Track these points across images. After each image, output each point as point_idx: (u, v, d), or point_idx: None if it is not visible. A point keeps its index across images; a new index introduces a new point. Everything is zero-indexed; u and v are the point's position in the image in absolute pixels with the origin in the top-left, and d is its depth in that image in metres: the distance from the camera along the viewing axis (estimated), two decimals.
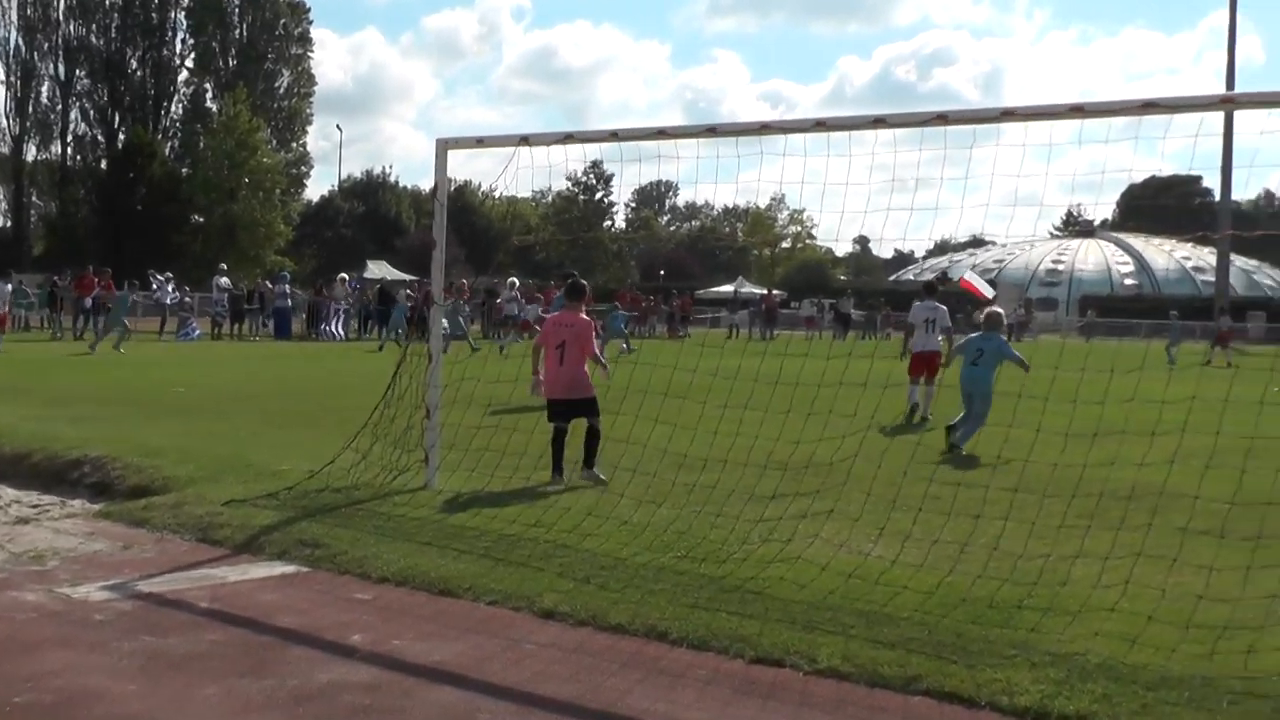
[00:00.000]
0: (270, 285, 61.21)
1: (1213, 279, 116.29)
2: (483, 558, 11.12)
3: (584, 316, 16.00)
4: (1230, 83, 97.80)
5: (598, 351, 15.92)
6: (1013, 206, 12.04)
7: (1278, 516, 11.76)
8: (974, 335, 19.78)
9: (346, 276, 65.33)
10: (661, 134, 13.31)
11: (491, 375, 16.27)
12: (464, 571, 10.61)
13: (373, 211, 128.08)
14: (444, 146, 14.89)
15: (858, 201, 12.31)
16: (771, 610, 9.56)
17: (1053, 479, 13.31)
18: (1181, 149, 11.09)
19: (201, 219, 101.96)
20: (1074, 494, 12.69)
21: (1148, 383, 13.04)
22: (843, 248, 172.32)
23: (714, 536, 12.06)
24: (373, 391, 15.95)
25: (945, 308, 25.17)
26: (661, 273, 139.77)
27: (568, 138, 13.79)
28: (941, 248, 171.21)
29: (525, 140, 13.92)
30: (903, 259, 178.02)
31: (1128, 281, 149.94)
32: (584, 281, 16.75)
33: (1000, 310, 20.47)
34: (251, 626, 9.17)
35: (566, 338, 15.44)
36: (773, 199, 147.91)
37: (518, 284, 59.93)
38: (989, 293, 48.67)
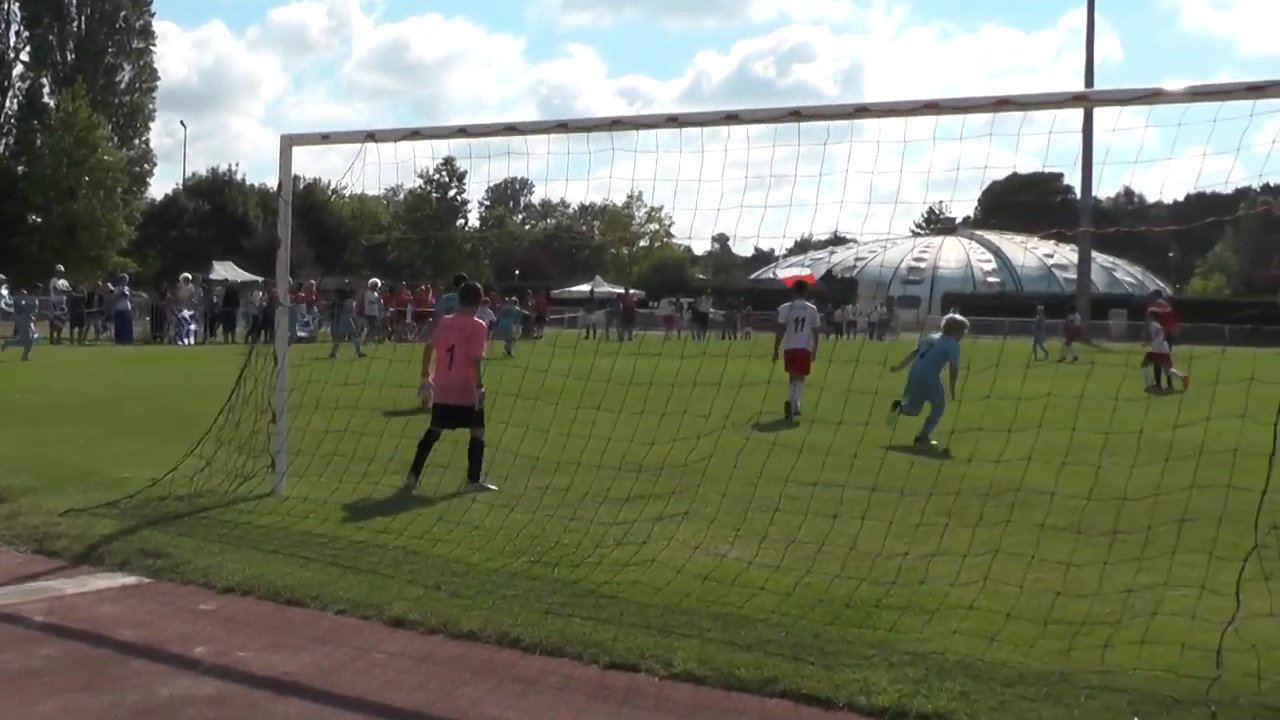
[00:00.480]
0: (110, 288, 60.12)
1: (1074, 276, 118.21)
2: (330, 565, 11.06)
3: (477, 320, 15.92)
4: (1089, 79, 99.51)
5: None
6: (868, 204, 12.14)
7: (1133, 511, 12.01)
8: (934, 336, 21.54)
9: (190, 277, 64.42)
10: (512, 130, 13.32)
11: (339, 378, 16.20)
12: (311, 580, 10.53)
13: (219, 210, 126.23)
14: (289, 143, 14.79)
15: (715, 199, 12.43)
16: (626, 615, 9.60)
17: (910, 477, 13.52)
18: (1042, 146, 11.36)
19: (39, 219, 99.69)
20: (931, 492, 12.91)
21: (1004, 380, 13.27)
22: (701, 246, 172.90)
23: (568, 541, 12.10)
24: (218, 396, 15.79)
25: (814, 306, 26.74)
26: (517, 272, 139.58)
27: (415, 134, 13.76)
28: (802, 246, 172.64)
29: (372, 136, 13.87)
30: (763, 257, 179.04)
31: (990, 279, 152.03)
32: (478, 284, 16.69)
33: (961, 319, 21.92)
34: (90, 640, 9.01)
35: (456, 341, 15.34)
36: (629, 196, 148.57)
37: (379, 284, 59.52)
38: (806, 270, 51.08)
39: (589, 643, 8.89)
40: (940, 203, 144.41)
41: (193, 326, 58.40)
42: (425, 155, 14.13)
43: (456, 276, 18.03)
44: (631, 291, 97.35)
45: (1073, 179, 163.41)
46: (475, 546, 11.77)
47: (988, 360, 12.81)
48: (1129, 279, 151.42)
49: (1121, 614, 9.52)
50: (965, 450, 13.63)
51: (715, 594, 10.15)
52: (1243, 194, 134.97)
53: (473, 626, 9.24)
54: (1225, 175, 10.54)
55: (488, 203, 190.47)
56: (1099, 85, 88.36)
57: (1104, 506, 12.09)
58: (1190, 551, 10.66)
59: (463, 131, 13.71)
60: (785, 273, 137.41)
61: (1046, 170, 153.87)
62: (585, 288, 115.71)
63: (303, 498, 13.95)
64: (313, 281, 63.03)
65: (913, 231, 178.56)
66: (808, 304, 26.46)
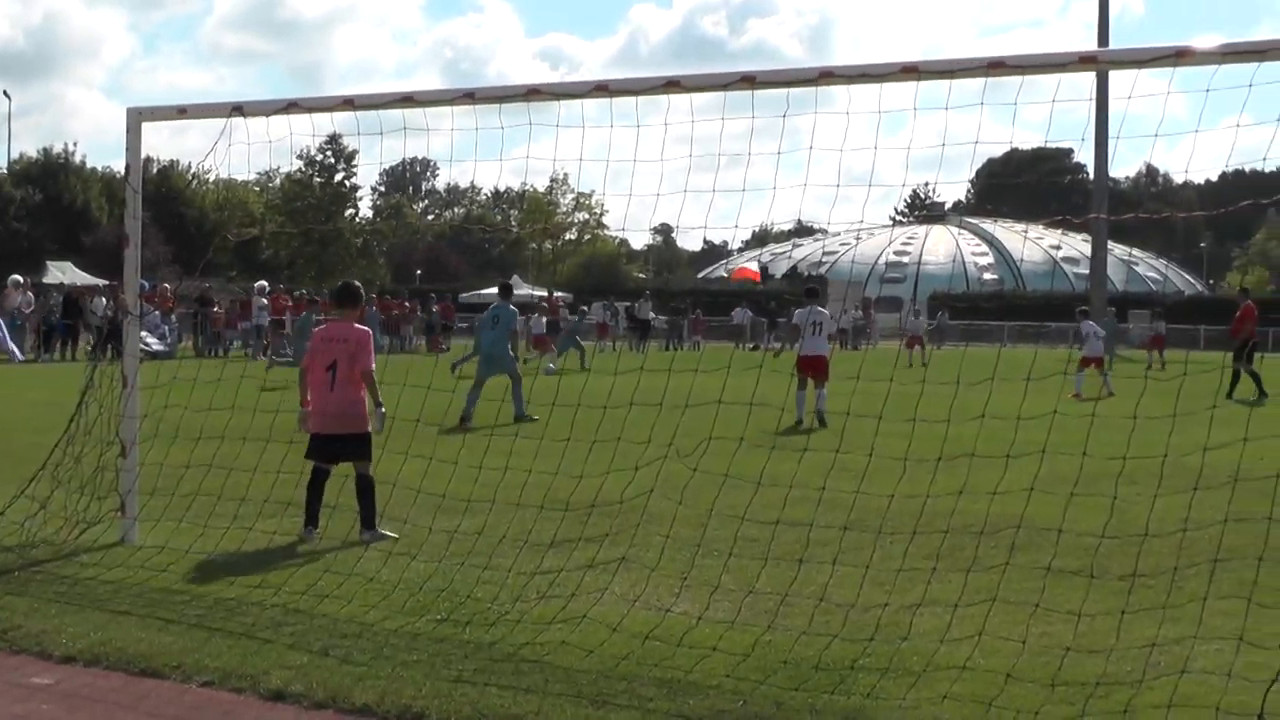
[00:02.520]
0: None
1: (1087, 271, 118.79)
2: (194, 628, 11.00)
3: (359, 328, 15.54)
4: (1103, 37, 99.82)
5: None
6: (837, 186, 12.15)
7: (1157, 550, 12.15)
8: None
9: (20, 280, 63.99)
10: (408, 101, 13.34)
11: (201, 402, 16.12)
12: (171, 646, 10.46)
13: (53, 200, 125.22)
14: (137, 118, 14.73)
15: (655, 182, 12.44)
16: (552, 682, 9.61)
17: (890, 513, 13.57)
18: (1047, 117, 11.34)
19: None
20: (916, 530, 12.94)
21: (1002, 396, 13.33)
22: (640, 239, 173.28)
23: (481, 594, 12.10)
24: (54, 425, 15.72)
25: (829, 312, 31.42)
26: (419, 272, 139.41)
27: (291, 106, 13.73)
28: (760, 238, 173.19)
29: (239, 110, 13.85)
30: (714, 252, 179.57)
31: (986, 276, 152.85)
32: (357, 284, 16.53)
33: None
34: None
35: (338, 355, 15.03)
36: (553, 180, 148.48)
37: (268, 287, 59.47)
38: (753, 265, 54.04)
39: (508, 716, 8.89)
40: (926, 185, 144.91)
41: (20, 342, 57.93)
42: (305, 132, 14.12)
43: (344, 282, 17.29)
44: (557, 294, 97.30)
45: (1085, 156, 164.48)
46: (370, 604, 11.77)
47: (983, 372, 12.86)
48: (1153, 274, 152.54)
49: (1144, 673, 9.56)
50: (956, 480, 13.68)
51: (658, 656, 10.16)
52: None
53: (368, 699, 9.20)
54: (1265, 149, 10.50)
55: (382, 189, 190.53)
56: (1114, 44, 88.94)
57: (1122, 545, 12.23)
58: (1225, 598, 10.78)
59: (349, 103, 13.69)
60: (739, 263, 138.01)
61: (1052, 146, 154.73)
62: None
63: (159, 547, 13.87)
64: (167, 286, 62.74)
65: (893, 220, 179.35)
66: (822, 309, 30.73)
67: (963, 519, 14.01)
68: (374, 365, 15.18)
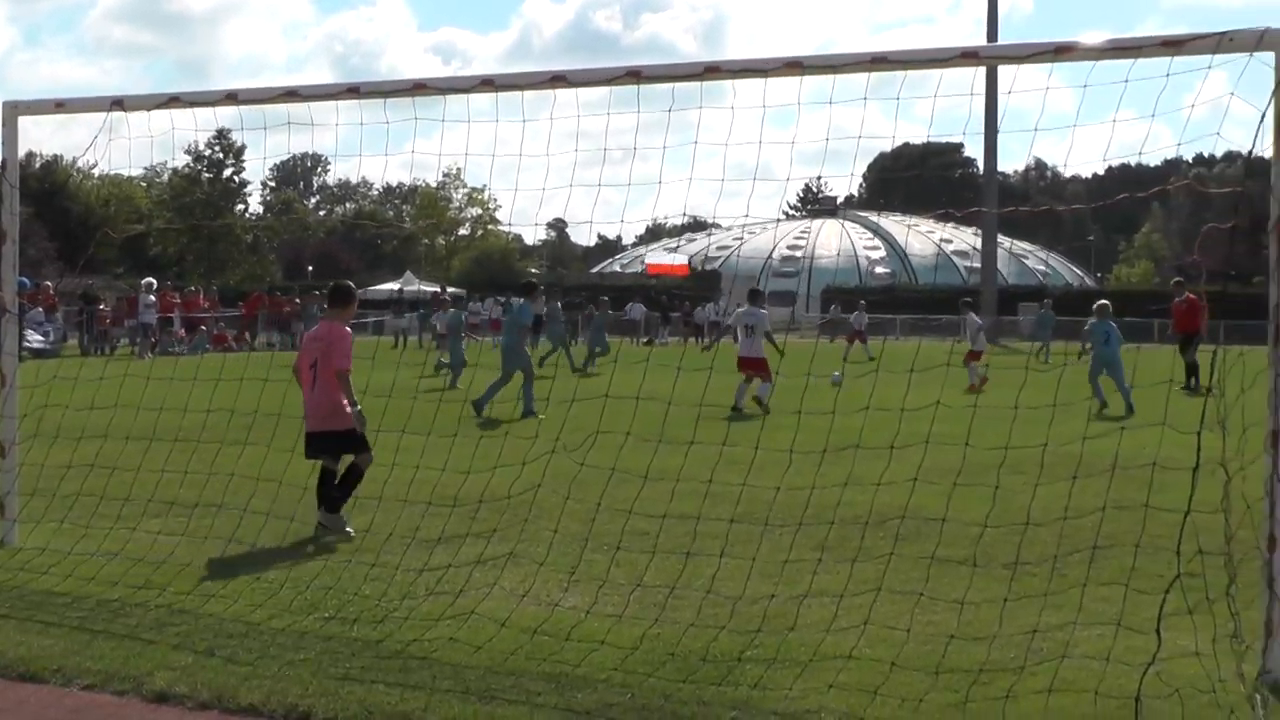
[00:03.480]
0: None
1: (978, 264, 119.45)
2: (76, 631, 10.92)
3: (342, 328, 15.50)
4: (992, 33, 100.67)
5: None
6: (722, 181, 12.22)
7: (1039, 539, 12.26)
8: (1095, 322, 29.26)
9: None
10: (293, 95, 13.28)
11: (83, 401, 16.02)
12: (51, 649, 10.38)
13: None
14: (13, 112, 14.60)
15: (542, 177, 12.48)
16: (440, 679, 9.62)
17: (776, 505, 13.66)
18: (936, 112, 11.47)
19: None
20: (802, 522, 13.05)
21: (888, 387, 13.45)
22: (534, 234, 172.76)
23: (369, 592, 12.09)
24: None
25: (765, 312, 32.33)
26: (310, 269, 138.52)
27: (173, 101, 13.65)
28: (654, 233, 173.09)
29: (119, 104, 13.76)
30: (608, 246, 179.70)
31: (879, 270, 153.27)
32: (348, 284, 16.39)
33: (1106, 302, 30.26)
34: None
35: (318, 355, 15.12)
36: (445, 175, 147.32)
37: (155, 285, 58.93)
38: (680, 260, 55.00)
39: (395, 714, 8.90)
40: (818, 180, 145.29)
41: None
42: (189, 128, 13.98)
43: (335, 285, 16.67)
44: (450, 290, 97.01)
45: (975, 150, 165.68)
46: (256, 602, 11.73)
47: (869, 364, 12.96)
48: (1042, 268, 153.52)
49: (1026, 659, 9.71)
50: (842, 472, 13.78)
51: (547, 651, 10.20)
52: (1173, 166, 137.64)
53: (254, 699, 9.17)
54: (1142, 145, 10.58)
55: (273, 184, 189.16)
56: (1005, 39, 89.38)
57: (1005, 534, 12.33)
58: (1104, 584, 10.94)
59: (232, 98, 13.64)
60: (654, 259, 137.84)
61: (942, 140, 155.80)
62: (393, 286, 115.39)
63: (40, 549, 13.73)
64: (49, 283, 62.12)
65: (785, 214, 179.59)
66: (760, 310, 32.05)
67: (849, 510, 14.11)
68: (350, 365, 15.11)
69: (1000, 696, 8.90)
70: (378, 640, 10.58)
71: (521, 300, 30.38)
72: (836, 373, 31.29)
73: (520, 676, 9.64)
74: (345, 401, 14.86)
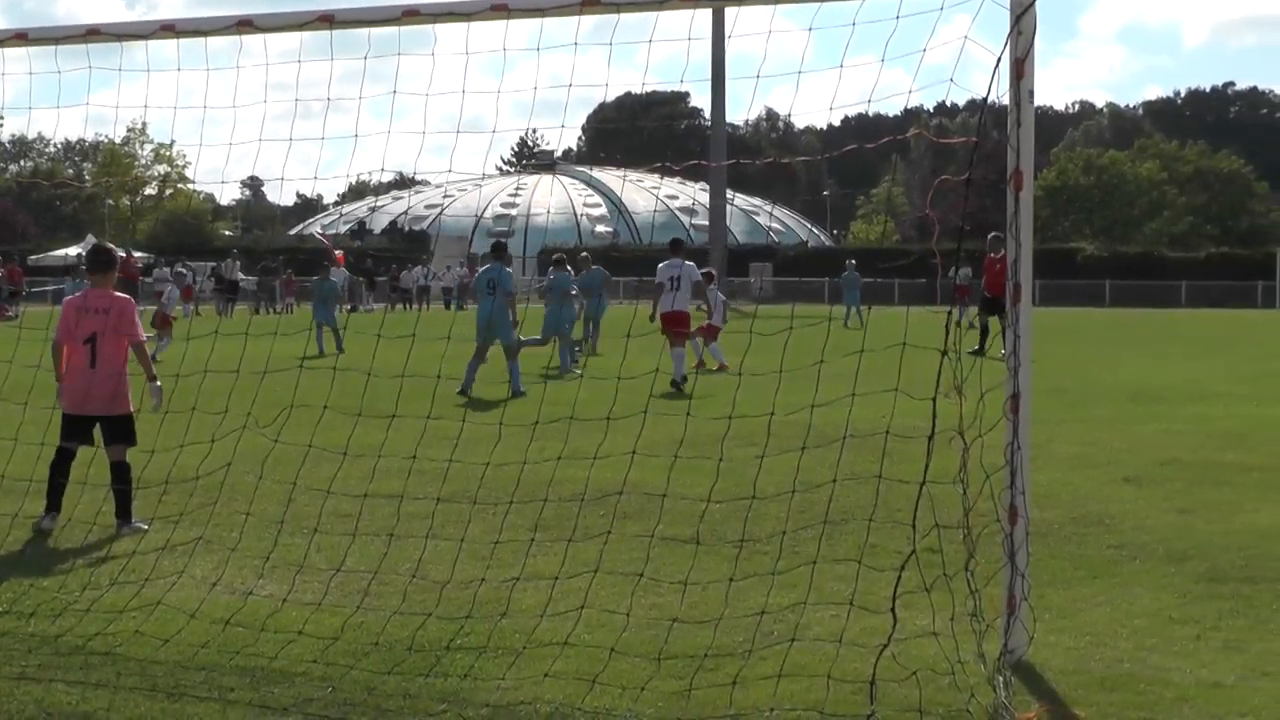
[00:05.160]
0: None
1: (706, 222, 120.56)
2: None
3: (121, 296, 14.88)
4: None
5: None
6: (423, 134, 12.12)
7: (767, 513, 12.37)
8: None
9: None
10: None
11: None
12: None
13: None
14: None
15: (233, 130, 12.28)
16: (125, 675, 9.47)
17: (485, 481, 13.59)
18: (661, 59, 11.44)
19: None
20: (513, 500, 12.99)
21: (606, 355, 13.46)
22: (229, 193, 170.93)
23: (47, 583, 11.90)
24: None
25: (692, 264, 31.53)
26: None
27: None
28: (359, 190, 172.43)
29: None
30: (309, 206, 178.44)
31: (600, 229, 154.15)
32: (110, 246, 15.86)
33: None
34: None
35: (99, 328, 14.38)
36: (130, 130, 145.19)
37: None
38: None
39: (76, 714, 8.75)
40: (532, 132, 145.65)
41: None
42: None
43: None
44: (135, 255, 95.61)
45: (702, 100, 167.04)
46: None
47: (578, 328, 12.93)
48: (776, 225, 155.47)
49: (754, 642, 9.79)
50: (555, 446, 13.75)
51: (240, 643, 10.09)
52: (913, 115, 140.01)
53: None
54: (871, 92, 10.58)
55: None
56: None
57: (731, 510, 12.44)
58: (838, 561, 11.08)
59: None
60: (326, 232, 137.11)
61: (666, 89, 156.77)
62: (74, 250, 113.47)
63: None
64: None
65: (499, 170, 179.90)
66: (686, 262, 31.00)
67: (564, 487, 14.08)
68: (141, 336, 14.71)
69: (727, 683, 8.92)
70: (56, 635, 10.41)
71: (497, 263, 29.98)
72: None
73: (212, 671, 9.53)
74: (147, 376, 14.47)
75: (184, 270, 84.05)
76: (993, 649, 9.21)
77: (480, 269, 30.54)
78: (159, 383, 14.51)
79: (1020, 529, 9.41)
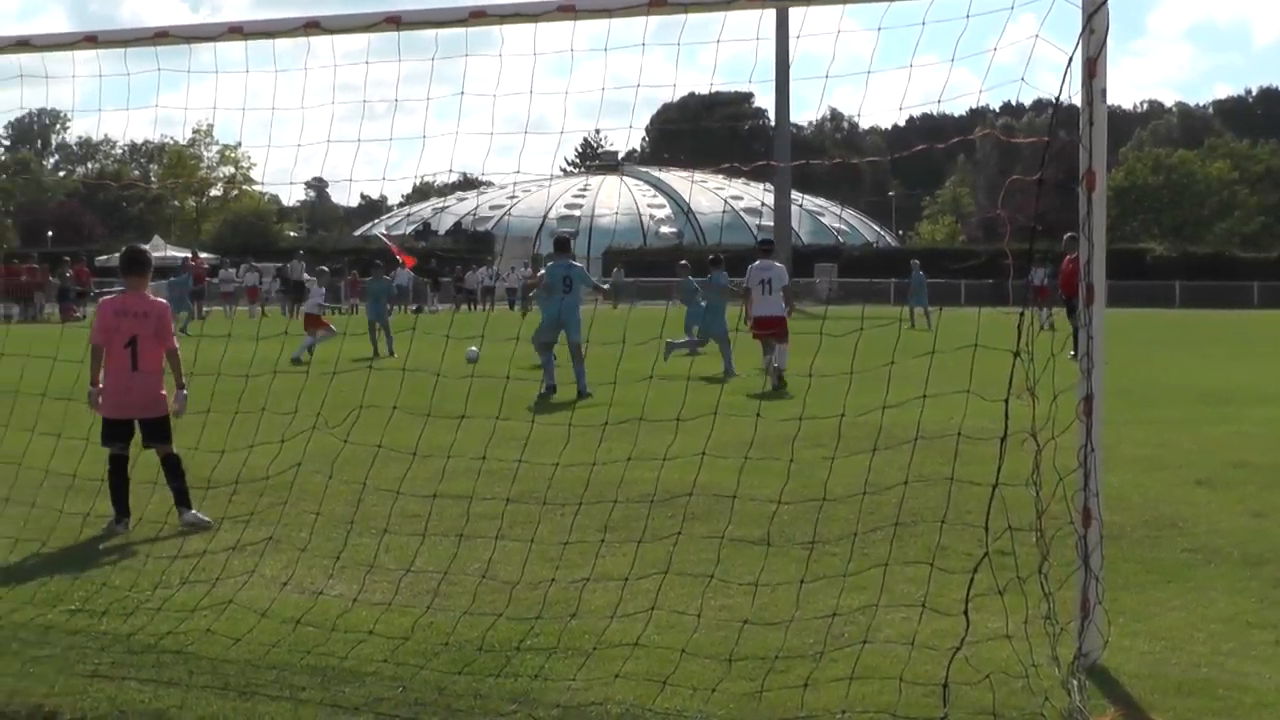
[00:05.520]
0: None
1: (771, 223, 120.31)
2: None
3: (159, 301, 14.98)
4: None
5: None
6: (491, 135, 12.11)
7: (838, 515, 12.32)
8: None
9: None
10: (24, 45, 12.96)
11: None
12: None
13: None
14: None
15: (301, 132, 12.31)
16: (197, 674, 9.49)
17: (556, 482, 13.58)
18: (726, 59, 11.38)
19: None
20: (583, 500, 12.98)
21: (676, 356, 13.43)
22: (292, 194, 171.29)
23: (118, 582, 11.92)
24: None
25: (782, 266, 32.07)
26: (49, 234, 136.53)
27: None
28: (423, 191, 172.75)
29: None
30: (374, 207, 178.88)
31: (664, 229, 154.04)
32: (145, 248, 15.91)
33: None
34: None
35: (139, 332, 14.43)
36: (195, 132, 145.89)
37: None
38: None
39: (149, 712, 8.77)
40: (597, 133, 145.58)
41: None
42: None
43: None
44: (201, 256, 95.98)
45: (766, 100, 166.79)
46: None
47: (653, 331, 12.94)
48: (840, 225, 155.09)
49: (825, 644, 9.75)
50: (625, 447, 13.74)
51: (311, 642, 10.11)
52: (979, 115, 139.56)
53: None
54: (941, 92, 10.52)
55: (7, 143, 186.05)
56: None
57: (801, 511, 12.40)
58: (909, 563, 11.03)
59: None
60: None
61: (730, 90, 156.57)
62: None
63: None
64: None
65: (563, 171, 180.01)
66: (776, 264, 31.31)
67: (634, 487, 14.09)
68: (175, 343, 14.71)
69: (798, 685, 8.91)
70: (129, 634, 10.42)
71: (563, 258, 30.09)
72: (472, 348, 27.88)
73: (283, 670, 9.56)
74: (176, 383, 14.52)
75: (255, 269, 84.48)
76: (1066, 653, 9.15)
77: (549, 265, 30.14)
78: (186, 391, 14.61)
79: (1094, 532, 9.36)
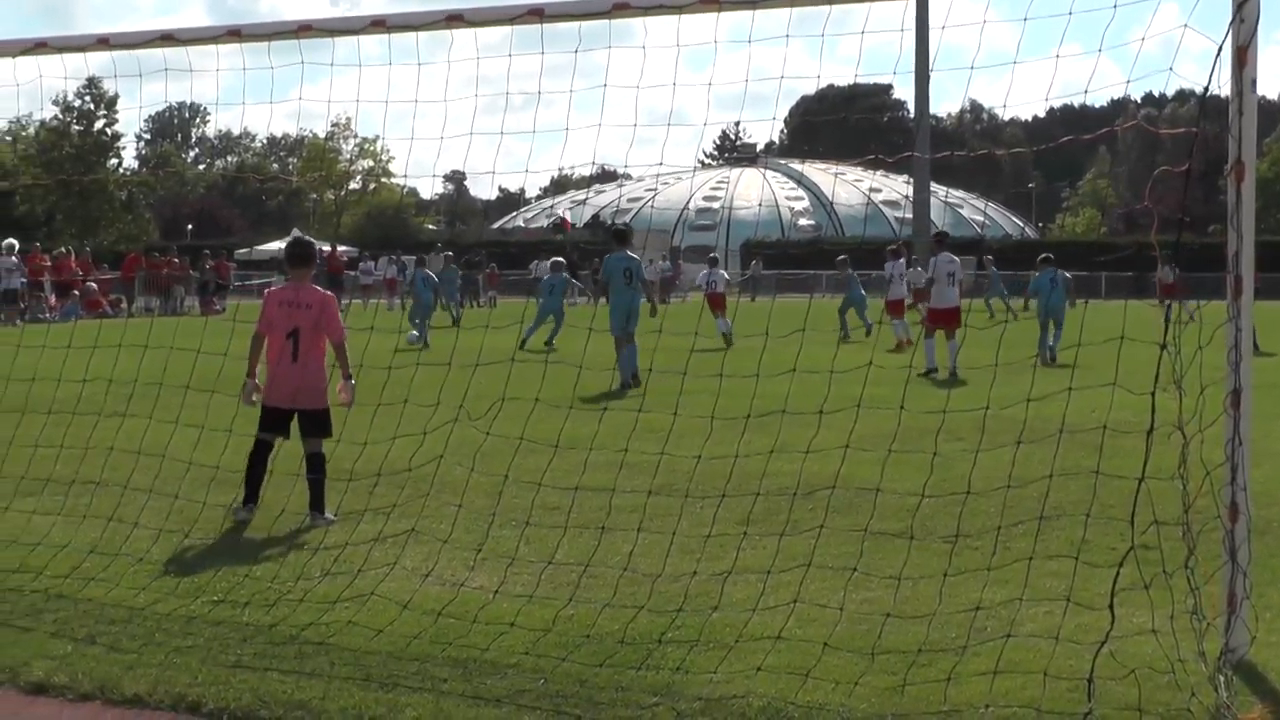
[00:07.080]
0: None
1: (910, 215, 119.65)
2: None
3: (323, 292, 15.07)
4: None
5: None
6: (634, 127, 12.10)
7: (981, 509, 12.27)
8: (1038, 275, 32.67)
9: None
10: (169, 40, 13.11)
11: None
12: None
13: None
14: None
15: (442, 125, 12.37)
16: (339, 665, 9.59)
17: (697, 475, 13.60)
18: (864, 50, 11.32)
19: None
20: (725, 493, 12.95)
21: (815, 348, 13.41)
22: (430, 187, 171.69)
23: (260, 573, 12.05)
24: None
25: (958, 259, 32.47)
26: (190, 227, 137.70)
27: (40, 46, 13.46)
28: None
29: None
30: (510, 200, 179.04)
31: (803, 222, 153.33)
32: (309, 239, 15.98)
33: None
34: None
35: (301, 323, 14.49)
36: (334, 125, 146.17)
37: (16, 247, 58.14)
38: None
39: (291, 703, 8.86)
40: (737, 125, 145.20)
41: None
42: (57, 75, 13.83)
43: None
44: (340, 249, 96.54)
45: (904, 92, 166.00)
46: (139, 585, 11.64)
47: (795, 324, 12.90)
48: (979, 217, 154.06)
49: (968, 638, 9.74)
50: (767, 440, 13.72)
51: (453, 634, 10.18)
52: (1119, 106, 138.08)
53: (139, 689, 9.12)
54: (1087, 83, 10.49)
55: (149, 136, 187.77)
56: None
57: (944, 505, 12.34)
58: (1052, 557, 10.97)
59: (104, 43, 13.42)
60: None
61: (870, 82, 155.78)
62: (279, 245, 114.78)
63: None
64: None
65: (702, 163, 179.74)
66: (955, 258, 32.15)
67: (775, 480, 14.09)
68: (343, 336, 14.80)
69: (941, 679, 8.92)
70: (270, 625, 10.53)
71: (623, 251, 29.09)
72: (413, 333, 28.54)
73: (424, 662, 9.63)
74: (343, 374, 14.59)
75: (395, 262, 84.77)
76: (1213, 648, 9.08)
77: (608, 257, 29.49)
78: (354, 381, 14.64)
79: (1241, 526, 9.28)
